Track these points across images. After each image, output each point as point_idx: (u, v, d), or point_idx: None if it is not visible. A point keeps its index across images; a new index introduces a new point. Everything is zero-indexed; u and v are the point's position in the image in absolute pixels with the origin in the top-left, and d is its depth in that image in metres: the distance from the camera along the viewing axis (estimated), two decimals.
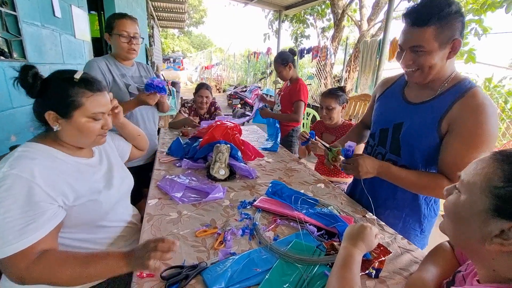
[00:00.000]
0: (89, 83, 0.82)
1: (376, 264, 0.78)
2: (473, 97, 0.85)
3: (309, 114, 4.61)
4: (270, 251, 0.82)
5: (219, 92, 13.34)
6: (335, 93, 1.77)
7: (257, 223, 0.95)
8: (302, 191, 1.22)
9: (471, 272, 0.57)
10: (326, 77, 6.32)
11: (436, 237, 1.00)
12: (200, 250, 0.82)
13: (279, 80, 2.56)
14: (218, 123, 1.67)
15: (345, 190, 1.43)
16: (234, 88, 9.23)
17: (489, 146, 0.85)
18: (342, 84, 5.59)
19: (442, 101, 0.90)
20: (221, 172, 1.32)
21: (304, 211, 1.01)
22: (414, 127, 0.96)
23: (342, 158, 1.06)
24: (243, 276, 0.71)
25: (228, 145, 1.40)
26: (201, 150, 1.51)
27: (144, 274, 0.71)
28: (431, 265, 0.72)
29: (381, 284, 0.74)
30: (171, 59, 19.46)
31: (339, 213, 1.04)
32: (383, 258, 0.80)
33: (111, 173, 0.96)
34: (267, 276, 0.72)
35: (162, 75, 6.89)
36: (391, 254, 0.83)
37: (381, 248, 0.85)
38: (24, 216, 0.67)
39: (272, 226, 0.95)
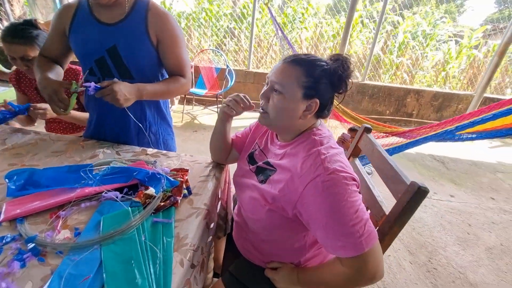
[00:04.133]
0: None
1: (184, 185, 0.88)
2: (156, 7, 1.00)
3: None
4: (83, 249, 0.64)
5: None
6: (25, 35, 1.18)
7: (34, 235, 0.65)
8: (63, 164, 0.94)
9: (267, 142, 0.87)
10: None
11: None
12: None
13: None
14: None
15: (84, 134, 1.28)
16: None
17: (184, 42, 1.09)
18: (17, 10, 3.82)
19: (136, 16, 0.99)
20: None
21: (91, 182, 0.82)
22: (130, 46, 1.00)
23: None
24: None
25: None
26: None
27: None
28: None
29: (193, 196, 0.87)
30: None
31: (126, 163, 0.96)
32: (186, 178, 0.92)
33: None
34: (104, 274, 0.59)
35: None
36: (189, 171, 0.96)
37: (179, 170, 0.95)
38: None
39: (59, 223, 0.70)
